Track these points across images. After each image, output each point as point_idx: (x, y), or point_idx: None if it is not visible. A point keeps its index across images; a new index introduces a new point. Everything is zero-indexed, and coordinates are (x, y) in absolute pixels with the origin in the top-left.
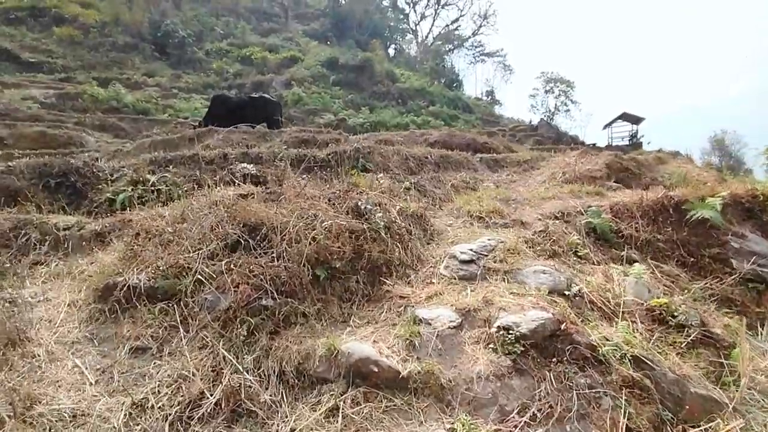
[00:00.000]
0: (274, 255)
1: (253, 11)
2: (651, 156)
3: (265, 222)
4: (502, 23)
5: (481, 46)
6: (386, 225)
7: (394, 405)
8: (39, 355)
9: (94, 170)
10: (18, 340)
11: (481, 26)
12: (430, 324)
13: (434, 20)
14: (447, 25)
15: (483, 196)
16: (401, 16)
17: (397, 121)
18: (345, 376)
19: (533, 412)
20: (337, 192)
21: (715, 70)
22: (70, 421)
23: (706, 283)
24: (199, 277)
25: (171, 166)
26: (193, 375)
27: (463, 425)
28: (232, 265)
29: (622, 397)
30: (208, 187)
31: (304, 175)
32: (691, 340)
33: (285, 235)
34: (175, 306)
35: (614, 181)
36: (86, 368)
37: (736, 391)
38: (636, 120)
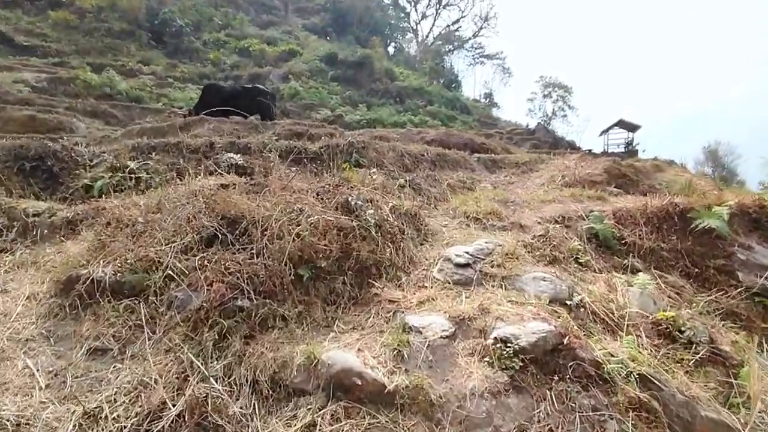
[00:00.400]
0: (254, 251)
1: (253, 3)
2: (648, 163)
3: (246, 215)
4: (503, 26)
5: (481, 48)
6: (377, 223)
7: (378, 422)
8: None
9: (73, 155)
10: None
11: (481, 28)
12: (420, 332)
13: (435, 20)
14: (448, 26)
15: (480, 196)
16: (402, 15)
17: (394, 119)
18: (325, 389)
19: None
20: (327, 186)
21: (715, 73)
22: (13, 430)
23: (710, 296)
24: (170, 272)
25: (154, 154)
26: (156, 382)
27: None
28: (206, 261)
29: (628, 421)
30: (189, 175)
31: (294, 168)
32: (699, 357)
33: (267, 230)
34: (142, 303)
35: (614, 187)
36: (38, 370)
37: (747, 414)
38: (632, 128)
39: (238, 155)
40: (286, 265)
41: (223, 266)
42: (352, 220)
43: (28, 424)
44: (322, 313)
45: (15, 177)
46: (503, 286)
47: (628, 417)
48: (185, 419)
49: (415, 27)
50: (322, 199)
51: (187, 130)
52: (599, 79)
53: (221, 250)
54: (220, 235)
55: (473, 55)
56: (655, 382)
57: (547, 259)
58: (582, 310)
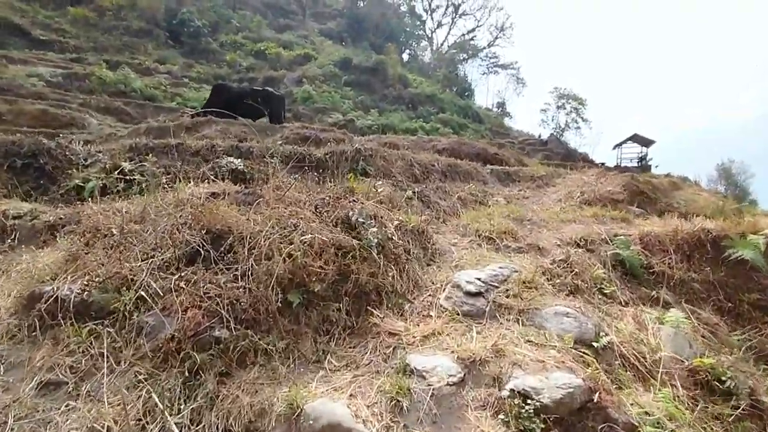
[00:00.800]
0: (238, 273)
1: (270, 6)
2: (666, 180)
3: (233, 230)
4: (517, 36)
5: (495, 58)
6: (380, 242)
7: None
8: None
9: (68, 153)
10: None
11: (496, 38)
12: (424, 377)
13: (450, 29)
14: (463, 35)
15: (494, 212)
16: (418, 23)
17: (406, 125)
18: None
19: None
20: (327, 198)
21: (724, 80)
22: None
23: (744, 334)
24: (143, 293)
25: (152, 155)
26: (109, 430)
27: None
28: (184, 282)
29: None
30: (183, 180)
31: (295, 176)
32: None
33: (254, 248)
34: (108, 328)
35: (634, 206)
36: None
37: None
38: (646, 142)
39: (239, 160)
40: (273, 289)
41: (201, 289)
42: (352, 239)
43: None
44: (312, 345)
45: (5, 174)
46: (520, 321)
47: None
48: None
49: (430, 35)
50: (320, 213)
51: (194, 130)
52: (609, 88)
53: (202, 269)
54: (203, 252)
55: (487, 65)
56: None
57: (569, 288)
58: (610, 352)
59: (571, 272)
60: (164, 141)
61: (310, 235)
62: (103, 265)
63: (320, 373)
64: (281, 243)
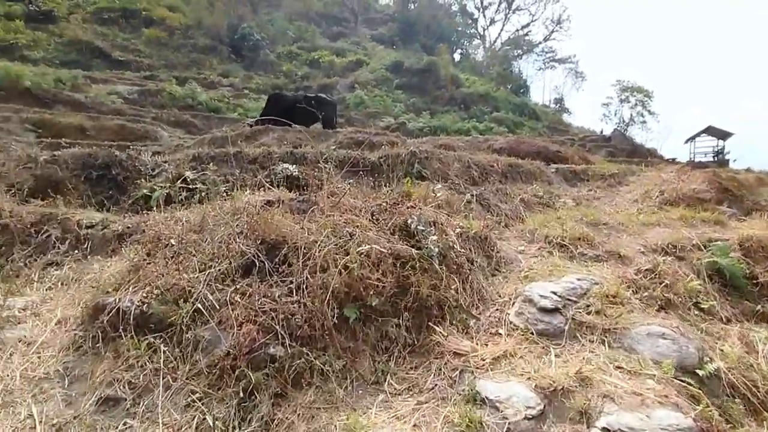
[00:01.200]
0: (293, 285)
1: (324, 16)
2: (751, 176)
3: (288, 240)
4: (575, 28)
5: (552, 52)
6: (442, 252)
7: None
8: None
9: (137, 164)
10: None
11: (553, 32)
12: (497, 408)
13: (504, 25)
14: (517, 30)
15: (564, 216)
16: (470, 21)
17: (458, 126)
18: None
19: None
20: (384, 204)
21: None
22: None
23: None
24: (200, 306)
25: (212, 164)
26: None
27: None
28: (239, 295)
29: None
30: (242, 188)
31: (350, 180)
32: None
33: (309, 260)
34: (166, 341)
35: (723, 205)
36: (41, 421)
37: None
38: (723, 135)
39: (294, 166)
40: (329, 304)
41: (256, 303)
42: (411, 247)
43: None
44: (370, 365)
45: (82, 186)
46: (606, 343)
47: None
48: None
49: (482, 33)
50: (377, 220)
51: (253, 138)
52: (665, 78)
53: (258, 281)
54: (257, 263)
55: (543, 60)
56: None
57: (658, 302)
58: (716, 381)
59: (660, 284)
60: (224, 150)
61: (367, 246)
62: (162, 275)
63: (380, 397)
64: (337, 254)
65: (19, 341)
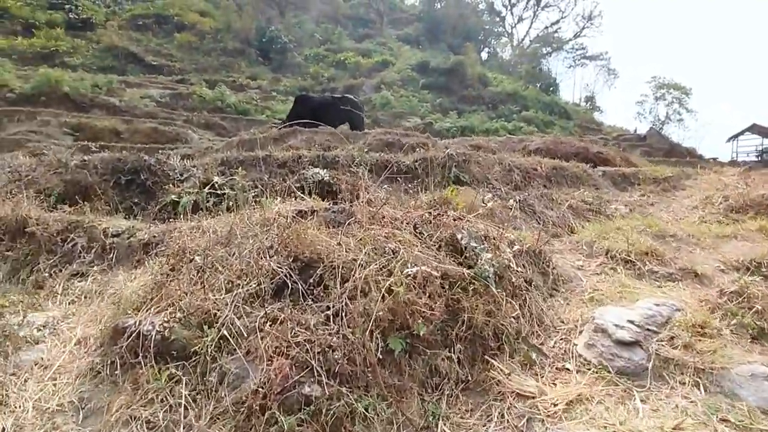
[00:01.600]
0: (330, 311)
1: (351, 18)
2: None
3: (323, 258)
4: (607, 23)
5: (582, 49)
6: (498, 272)
7: None
8: (4, 429)
9: (165, 168)
10: None
11: (584, 28)
12: None
13: (532, 22)
14: (546, 27)
15: (625, 226)
16: (497, 19)
17: (486, 126)
18: None
19: None
20: (426, 216)
21: None
22: None
23: None
24: (226, 332)
25: (241, 168)
26: None
27: None
28: (269, 321)
29: None
30: (271, 193)
31: (385, 186)
32: None
33: (348, 281)
34: (190, 372)
35: None
36: None
37: None
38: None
39: (325, 170)
40: (371, 334)
41: (289, 332)
42: (461, 266)
43: None
44: (418, 406)
45: (111, 191)
46: (701, 386)
47: None
48: None
49: (510, 31)
50: (420, 233)
51: (282, 141)
52: (721, 81)
53: (290, 305)
54: (290, 284)
55: (573, 57)
56: None
57: (749, 332)
58: None
59: (750, 309)
60: (253, 153)
61: (414, 267)
62: (186, 294)
63: None
64: (379, 274)
65: (36, 364)
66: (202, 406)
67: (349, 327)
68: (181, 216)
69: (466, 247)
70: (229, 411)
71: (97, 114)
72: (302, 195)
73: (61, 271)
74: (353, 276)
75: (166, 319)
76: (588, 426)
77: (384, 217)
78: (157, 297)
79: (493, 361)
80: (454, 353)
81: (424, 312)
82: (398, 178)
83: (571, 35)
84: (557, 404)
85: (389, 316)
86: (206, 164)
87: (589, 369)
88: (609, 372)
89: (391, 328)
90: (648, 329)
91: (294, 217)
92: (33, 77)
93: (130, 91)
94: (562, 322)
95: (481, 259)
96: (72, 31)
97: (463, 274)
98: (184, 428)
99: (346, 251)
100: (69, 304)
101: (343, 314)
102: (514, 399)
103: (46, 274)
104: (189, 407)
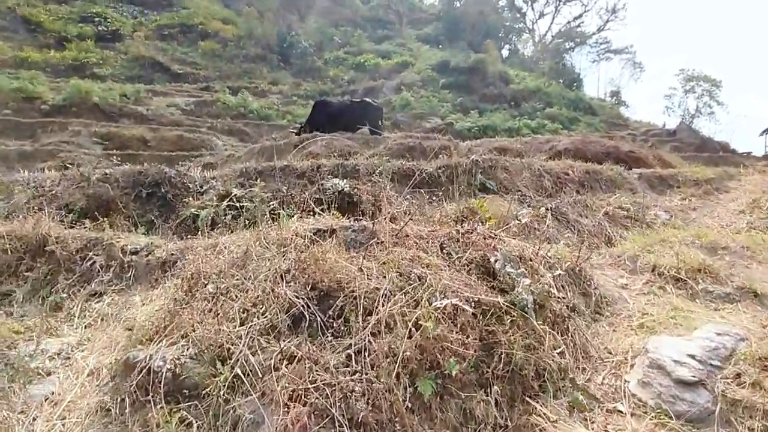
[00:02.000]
0: (352, 349)
1: (370, 20)
2: None
3: (343, 286)
4: (632, 15)
5: (606, 43)
6: (538, 299)
7: None
8: None
9: (185, 181)
10: None
11: (608, 21)
12: None
13: (554, 17)
14: (568, 22)
15: (670, 237)
16: (518, 15)
17: (508, 124)
18: None
19: None
20: (454, 234)
21: None
22: None
23: None
24: (240, 371)
25: (260, 179)
26: None
27: None
28: (285, 361)
29: None
30: (290, 207)
31: (407, 197)
32: None
33: (371, 315)
34: (202, 414)
35: None
36: None
37: None
38: None
39: (345, 180)
40: (398, 376)
41: (307, 373)
42: (492, 290)
43: None
44: None
45: (132, 204)
46: None
47: None
48: None
49: (531, 26)
50: (448, 254)
51: (302, 147)
52: (719, 63)
53: (308, 340)
54: (307, 315)
55: (597, 51)
56: None
57: None
58: None
59: None
60: (271, 164)
61: (444, 300)
62: (200, 323)
63: None
64: (405, 306)
65: (46, 400)
66: None
67: (372, 368)
68: (201, 230)
69: (500, 271)
70: None
71: (125, 123)
72: (321, 210)
73: (79, 290)
74: (376, 309)
75: (178, 353)
76: None
77: (408, 236)
78: (170, 326)
79: (534, 403)
80: (490, 395)
81: (455, 349)
82: (421, 188)
83: (594, 29)
84: None
85: (417, 355)
86: (225, 176)
87: (645, 412)
88: (669, 416)
89: (420, 367)
90: (711, 365)
91: (312, 237)
92: (65, 89)
93: (157, 99)
94: (610, 353)
95: (518, 286)
96: (101, 43)
97: (498, 301)
98: None
99: (368, 278)
100: (85, 328)
101: (367, 352)
102: None
103: (65, 294)
104: None
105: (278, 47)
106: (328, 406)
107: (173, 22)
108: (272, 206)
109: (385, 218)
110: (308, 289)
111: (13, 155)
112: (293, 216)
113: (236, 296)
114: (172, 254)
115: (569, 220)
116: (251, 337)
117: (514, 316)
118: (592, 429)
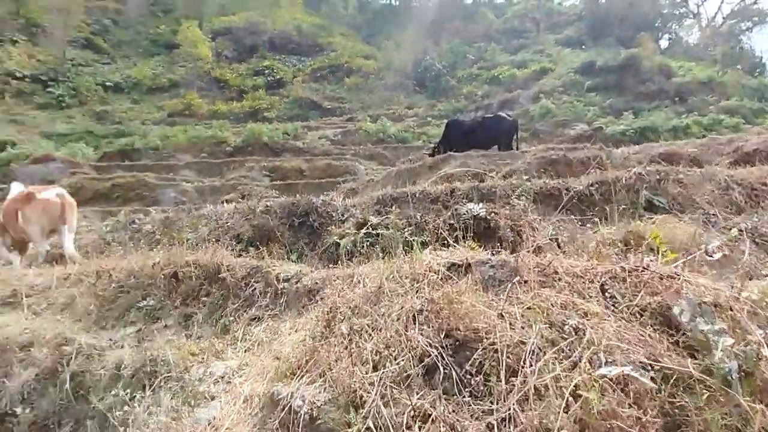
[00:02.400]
0: (494, 417)
1: (504, 32)
2: None
3: (482, 336)
4: None
5: None
6: (744, 366)
7: None
8: None
9: (329, 210)
10: None
11: None
12: None
13: None
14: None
15: None
16: (678, 0)
17: (672, 124)
18: None
19: None
20: (618, 272)
21: None
22: None
23: None
24: (372, 423)
25: (395, 205)
26: None
27: None
28: (419, 421)
29: None
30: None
31: (554, 221)
32: None
33: (516, 374)
34: None
35: None
36: None
37: None
38: None
39: (480, 205)
40: None
41: None
42: (676, 345)
43: None
44: None
45: (287, 233)
46: None
47: None
48: None
49: (696, 10)
50: (612, 298)
51: (436, 168)
52: None
53: (442, 397)
54: (441, 367)
55: None
56: None
57: None
58: None
59: None
60: (405, 190)
61: (612, 367)
62: (336, 362)
63: None
64: (558, 365)
65: (209, 424)
66: None
67: None
68: (341, 259)
69: (687, 325)
70: None
71: (286, 156)
72: (456, 237)
73: (243, 314)
74: (522, 368)
75: (315, 392)
76: None
77: (557, 273)
78: (310, 361)
79: None
80: None
81: (628, 429)
82: (570, 210)
83: None
84: None
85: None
86: (363, 203)
87: None
88: None
89: None
90: None
91: (445, 272)
92: (243, 132)
93: (311, 133)
94: None
95: (716, 348)
96: (270, 90)
97: (689, 370)
98: None
99: (510, 327)
100: (245, 352)
101: (513, 425)
102: None
103: (231, 318)
104: None
105: (413, 73)
106: None
107: (324, 64)
108: (407, 234)
109: (528, 250)
110: (442, 336)
111: (207, 190)
112: (427, 245)
113: (369, 336)
114: (316, 283)
115: None
116: (384, 384)
117: (710, 386)
118: None
